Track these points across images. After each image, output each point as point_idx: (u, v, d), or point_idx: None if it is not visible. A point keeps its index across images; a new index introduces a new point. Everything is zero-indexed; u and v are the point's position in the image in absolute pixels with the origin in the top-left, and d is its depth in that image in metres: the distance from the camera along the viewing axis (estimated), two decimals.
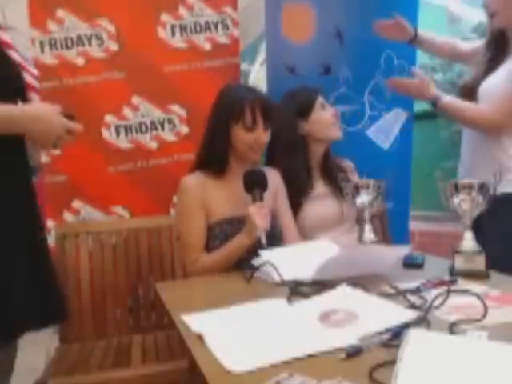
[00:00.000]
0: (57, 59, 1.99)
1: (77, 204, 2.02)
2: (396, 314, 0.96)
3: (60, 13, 1.98)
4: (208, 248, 1.55)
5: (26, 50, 2.57)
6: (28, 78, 2.01)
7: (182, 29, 2.08)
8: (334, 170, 1.85)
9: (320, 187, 1.82)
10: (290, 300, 1.10)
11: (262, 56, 5.13)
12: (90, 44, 2.01)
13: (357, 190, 1.56)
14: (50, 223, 1.95)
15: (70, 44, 1.99)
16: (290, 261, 1.34)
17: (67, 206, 2.01)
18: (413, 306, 1.02)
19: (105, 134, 2.04)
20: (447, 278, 1.23)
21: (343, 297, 1.08)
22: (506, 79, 1.63)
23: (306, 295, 1.12)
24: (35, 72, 2.00)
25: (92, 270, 1.90)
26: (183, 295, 1.32)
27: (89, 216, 2.02)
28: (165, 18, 2.07)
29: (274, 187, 1.65)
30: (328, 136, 1.81)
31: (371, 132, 2.20)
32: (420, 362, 0.73)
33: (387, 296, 1.09)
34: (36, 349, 2.07)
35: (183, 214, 1.57)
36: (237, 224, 1.52)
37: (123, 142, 2.05)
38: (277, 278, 1.27)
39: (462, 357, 0.75)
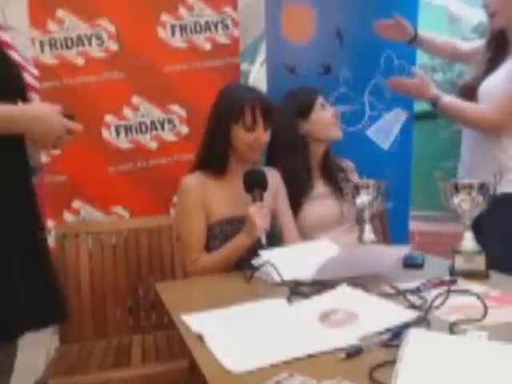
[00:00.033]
0: (57, 59, 1.99)
1: (77, 204, 2.02)
2: (396, 314, 0.96)
3: (60, 13, 1.98)
4: (208, 248, 1.55)
5: (25, 49, 2.57)
6: (28, 78, 2.01)
7: (182, 29, 2.08)
8: (334, 170, 1.85)
9: (320, 187, 1.82)
10: (289, 300, 1.10)
11: (262, 56, 5.13)
12: (89, 44, 2.01)
13: (357, 189, 1.56)
14: (50, 223, 1.95)
15: (69, 44, 1.99)
16: (290, 261, 1.34)
17: (67, 206, 2.01)
18: (413, 306, 1.02)
19: (105, 133, 2.04)
20: (447, 277, 1.23)
21: (343, 297, 1.08)
22: (505, 79, 1.63)
23: (305, 295, 1.12)
24: (35, 72, 2.00)
25: (92, 270, 1.90)
26: (183, 295, 1.32)
27: (89, 216, 2.02)
28: (165, 18, 2.07)
29: (274, 187, 1.65)
30: (328, 136, 1.81)
31: (371, 132, 2.20)
32: (420, 362, 0.73)
33: (387, 296, 1.09)
34: (36, 349, 2.07)
35: (183, 214, 1.57)
36: (237, 224, 1.52)
37: (123, 142, 2.05)
38: (277, 278, 1.27)
39: (462, 357, 0.75)
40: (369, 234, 1.56)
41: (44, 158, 1.98)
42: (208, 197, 1.56)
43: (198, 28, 2.10)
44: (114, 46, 2.03)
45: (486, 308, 0.95)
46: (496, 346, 0.78)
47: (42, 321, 1.26)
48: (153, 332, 1.90)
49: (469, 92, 1.74)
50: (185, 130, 2.10)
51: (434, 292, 1.07)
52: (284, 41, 2.13)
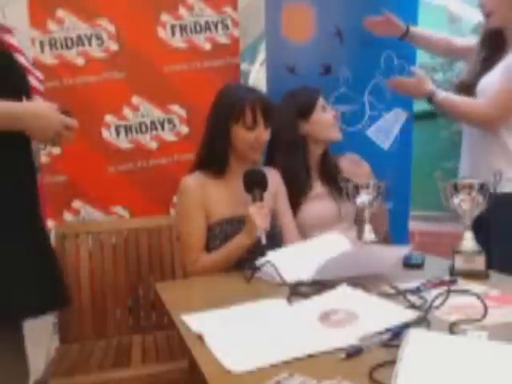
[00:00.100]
0: (57, 59, 1.99)
1: (77, 204, 2.02)
2: (396, 313, 0.96)
3: (60, 13, 1.98)
4: (208, 248, 1.55)
5: (26, 49, 2.57)
6: (33, 81, 2.02)
7: (182, 29, 2.08)
8: (332, 170, 1.85)
9: (318, 187, 1.83)
10: (289, 300, 1.10)
11: (262, 56, 5.12)
12: (90, 44, 2.01)
13: (357, 189, 1.56)
14: (50, 223, 1.95)
15: (69, 44, 1.99)
16: (292, 261, 1.34)
17: (67, 206, 2.01)
18: (413, 306, 1.02)
19: (105, 134, 2.04)
20: (447, 278, 1.23)
21: (343, 297, 1.08)
22: (501, 75, 1.64)
23: (305, 295, 1.12)
24: (40, 75, 2.00)
25: (92, 270, 1.90)
26: (183, 295, 1.32)
27: (89, 216, 2.02)
28: (165, 18, 2.07)
29: (274, 187, 1.65)
30: (328, 137, 1.81)
31: (371, 132, 2.20)
32: (420, 361, 0.73)
33: (387, 296, 1.09)
34: (36, 349, 2.06)
35: (183, 214, 1.57)
36: (237, 224, 1.52)
37: (123, 142, 2.05)
38: (277, 278, 1.27)
39: (462, 357, 0.75)
40: (369, 234, 1.56)
41: (44, 158, 1.98)
42: (208, 197, 1.56)
43: (197, 28, 2.10)
44: (113, 46, 2.03)
45: (486, 308, 0.95)
46: (496, 346, 0.78)
47: (42, 307, 1.27)
48: (153, 332, 1.90)
49: (465, 89, 1.75)
50: (185, 130, 2.10)
51: (434, 292, 1.07)
52: (284, 41, 2.13)
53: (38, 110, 1.23)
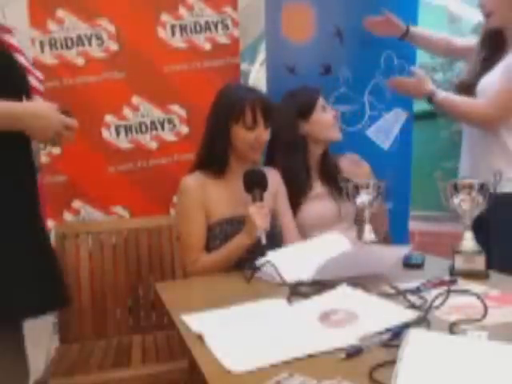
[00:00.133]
0: (57, 59, 1.99)
1: (77, 204, 2.02)
2: (396, 313, 0.96)
3: (60, 13, 1.98)
4: (208, 248, 1.55)
5: (26, 49, 2.57)
6: (33, 81, 2.02)
7: (182, 29, 2.08)
8: (332, 170, 1.85)
9: (318, 187, 1.83)
10: (289, 300, 1.10)
11: (262, 56, 5.12)
12: (90, 44, 2.01)
13: (357, 189, 1.56)
14: (50, 223, 1.95)
15: (69, 44, 1.99)
16: (292, 261, 1.34)
17: (67, 206, 2.01)
18: (413, 306, 1.02)
19: (105, 133, 2.04)
20: (447, 278, 1.23)
21: (343, 297, 1.08)
22: (501, 75, 1.64)
23: (305, 295, 1.12)
24: (40, 75, 2.00)
25: (92, 270, 1.90)
26: (183, 295, 1.32)
27: (89, 216, 2.02)
28: (165, 18, 2.07)
29: (274, 187, 1.65)
30: (328, 137, 1.81)
31: (371, 132, 2.20)
32: (420, 361, 0.73)
33: (387, 296, 1.09)
34: (36, 349, 2.06)
35: (183, 214, 1.57)
36: (237, 224, 1.52)
37: (123, 142, 2.05)
38: (277, 278, 1.27)
39: (462, 357, 0.75)
40: (369, 234, 1.56)
41: (44, 158, 1.98)
42: (208, 197, 1.56)
43: (197, 28, 2.10)
44: (114, 46, 2.03)
45: (486, 308, 0.95)
46: (496, 346, 0.78)
47: (42, 307, 1.27)
48: (153, 332, 1.90)
49: (465, 89, 1.75)
50: (185, 130, 2.10)
51: (434, 292, 1.07)
52: (284, 41, 2.13)
53: (38, 109, 1.24)
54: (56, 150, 1.96)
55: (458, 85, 1.82)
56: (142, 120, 2.06)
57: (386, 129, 2.21)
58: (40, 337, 1.52)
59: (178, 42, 2.08)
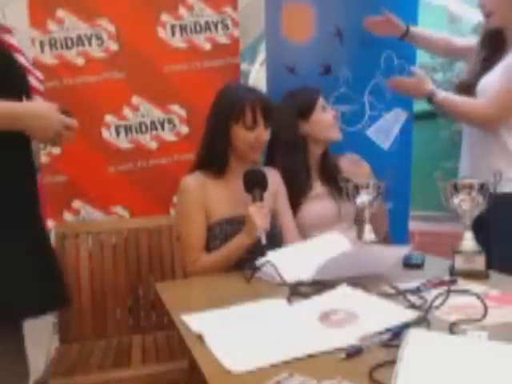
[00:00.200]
0: (57, 59, 1.99)
1: (77, 204, 2.02)
2: (396, 313, 0.96)
3: (60, 13, 1.98)
4: (208, 248, 1.55)
5: (25, 49, 2.57)
6: (33, 81, 2.02)
7: (182, 29, 2.08)
8: (332, 170, 1.85)
9: (318, 187, 1.83)
10: (289, 300, 1.10)
11: (262, 56, 5.12)
12: (90, 44, 2.01)
13: (357, 189, 1.56)
14: (50, 223, 1.95)
15: (69, 44, 1.99)
16: (292, 261, 1.34)
17: (67, 206, 2.01)
18: (413, 306, 1.02)
19: (105, 133, 2.04)
20: (447, 278, 1.23)
21: (343, 297, 1.08)
22: (501, 75, 1.64)
23: (305, 295, 1.12)
24: (40, 75, 2.00)
25: (92, 270, 1.90)
26: (183, 295, 1.32)
27: (89, 216, 2.02)
28: (165, 18, 2.07)
29: (274, 187, 1.65)
30: (328, 137, 1.81)
31: (371, 132, 2.20)
32: (420, 361, 0.73)
33: (387, 296, 1.09)
34: (36, 349, 2.06)
35: (183, 214, 1.57)
36: (237, 224, 1.52)
37: (123, 142, 2.05)
38: (277, 278, 1.27)
39: (462, 357, 0.75)
40: (369, 234, 1.56)
41: (44, 158, 1.98)
42: (208, 197, 1.56)
43: (197, 28, 2.10)
44: (114, 46, 2.03)
45: (486, 308, 0.95)
46: (496, 346, 0.78)
47: (42, 307, 1.27)
48: (153, 332, 1.90)
49: (466, 89, 1.75)
50: (185, 130, 2.10)
51: (434, 292, 1.07)
52: (284, 41, 2.13)
53: (38, 109, 1.24)
54: (56, 150, 1.96)
55: (458, 85, 1.82)
56: (142, 120, 2.06)
57: (385, 129, 2.21)
58: (40, 337, 1.52)
59: (177, 41, 2.08)
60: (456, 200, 1.31)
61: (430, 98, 1.76)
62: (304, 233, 1.72)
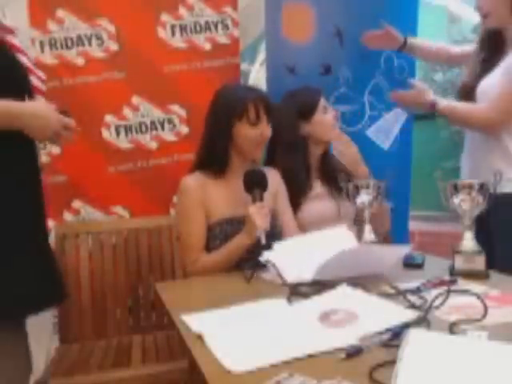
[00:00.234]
0: (57, 59, 1.99)
1: (77, 204, 2.02)
2: (396, 313, 0.96)
3: (60, 13, 1.98)
4: (208, 248, 1.55)
5: (26, 50, 2.57)
6: (35, 81, 2.03)
7: (182, 29, 2.08)
8: (332, 170, 1.85)
9: (318, 187, 1.83)
10: (289, 300, 1.10)
11: (262, 56, 5.12)
12: (90, 44, 2.01)
13: (357, 189, 1.56)
14: (50, 223, 1.95)
15: (69, 44, 1.99)
16: (293, 257, 1.34)
17: (67, 206, 2.01)
18: (413, 306, 1.02)
19: (105, 133, 2.04)
20: (447, 278, 1.23)
21: (343, 297, 1.08)
22: (501, 77, 1.63)
23: (305, 295, 1.12)
24: (42, 75, 2.00)
25: (92, 270, 1.90)
26: (183, 295, 1.32)
27: (89, 216, 2.02)
28: (165, 18, 2.07)
29: (274, 187, 1.65)
30: (329, 137, 1.81)
31: (371, 132, 2.20)
32: (420, 362, 0.73)
33: (387, 296, 1.09)
34: (36, 349, 2.06)
35: (183, 214, 1.57)
36: (237, 224, 1.52)
37: (123, 142, 2.05)
38: (277, 279, 1.27)
39: (462, 357, 0.75)
40: (369, 234, 1.56)
41: (44, 158, 1.98)
42: (208, 197, 1.56)
43: (198, 28, 2.10)
44: (114, 46, 2.03)
45: (486, 308, 0.95)
46: (496, 346, 0.78)
47: (41, 303, 1.28)
48: (153, 332, 1.90)
49: (468, 92, 1.75)
50: (185, 130, 2.10)
51: (434, 292, 1.07)
52: (284, 41, 2.13)
53: (36, 109, 1.24)
54: (56, 150, 1.96)
55: (461, 89, 1.82)
56: (142, 120, 2.06)
57: (385, 129, 2.21)
58: (40, 337, 1.52)
59: (177, 41, 2.08)
60: (456, 200, 1.31)
61: (432, 108, 1.75)
62: (304, 232, 1.72)
